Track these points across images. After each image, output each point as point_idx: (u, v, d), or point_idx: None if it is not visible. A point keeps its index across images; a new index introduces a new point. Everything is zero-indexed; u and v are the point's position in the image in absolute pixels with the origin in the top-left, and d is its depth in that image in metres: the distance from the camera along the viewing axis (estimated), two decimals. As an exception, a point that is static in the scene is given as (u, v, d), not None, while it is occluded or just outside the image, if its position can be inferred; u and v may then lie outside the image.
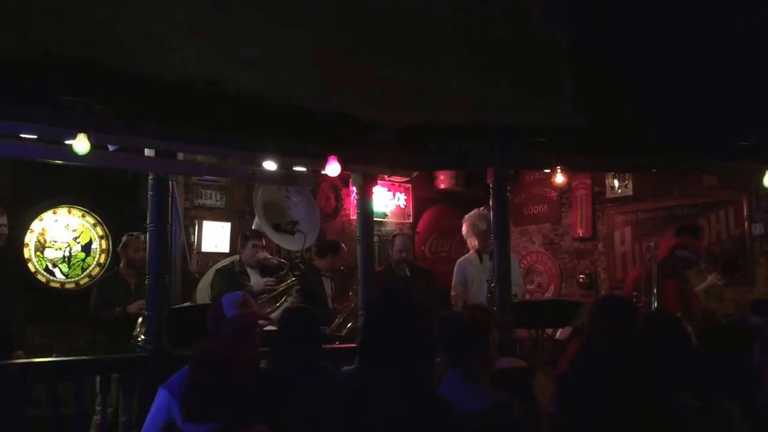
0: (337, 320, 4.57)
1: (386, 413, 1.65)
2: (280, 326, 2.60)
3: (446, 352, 2.26)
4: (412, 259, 4.82)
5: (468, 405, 2.05)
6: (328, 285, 4.86)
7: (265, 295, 4.36)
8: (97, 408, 3.93)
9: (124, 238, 4.44)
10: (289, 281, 4.50)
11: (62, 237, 5.00)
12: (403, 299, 1.88)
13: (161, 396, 2.32)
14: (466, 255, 4.97)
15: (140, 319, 3.80)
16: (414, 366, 1.74)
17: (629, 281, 4.71)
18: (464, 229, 4.90)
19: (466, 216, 4.88)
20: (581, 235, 6.47)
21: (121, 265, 4.46)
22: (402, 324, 1.77)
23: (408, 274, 4.73)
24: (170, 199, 3.80)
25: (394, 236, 5.19)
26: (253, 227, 4.92)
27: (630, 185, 6.18)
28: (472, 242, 4.85)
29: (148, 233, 3.59)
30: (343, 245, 5.01)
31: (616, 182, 6.25)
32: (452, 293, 4.87)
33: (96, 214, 5.12)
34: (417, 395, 1.69)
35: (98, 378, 3.67)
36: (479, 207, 4.82)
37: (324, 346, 3.74)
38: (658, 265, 4.26)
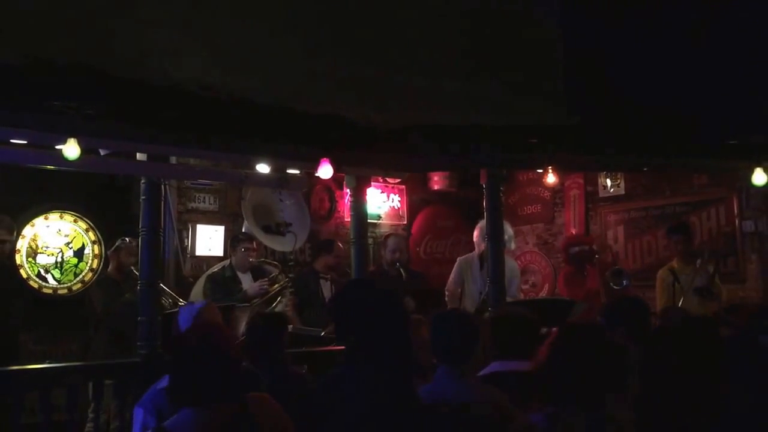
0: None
1: (358, 407, 1.65)
2: (248, 329, 2.76)
3: (440, 349, 2.29)
4: (405, 259, 4.80)
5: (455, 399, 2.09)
6: (326, 287, 4.83)
7: (257, 300, 4.35)
8: (90, 415, 3.90)
9: (117, 242, 4.44)
10: (282, 282, 4.48)
11: (54, 242, 4.97)
12: (372, 291, 1.88)
13: (138, 414, 2.32)
14: (468, 255, 4.98)
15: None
16: (385, 358, 1.74)
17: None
18: (476, 234, 4.90)
19: (480, 222, 4.83)
20: (574, 234, 6.50)
21: (111, 268, 4.48)
22: (368, 314, 1.76)
23: (403, 275, 4.70)
24: (163, 202, 3.79)
25: (387, 237, 5.18)
26: (243, 230, 4.91)
27: (622, 184, 6.22)
28: (480, 246, 4.85)
29: (140, 238, 3.58)
30: (338, 243, 4.98)
31: (608, 181, 6.28)
32: (450, 288, 4.89)
33: (88, 219, 5.09)
34: (389, 387, 1.69)
35: (91, 384, 3.64)
36: (479, 209, 4.79)
37: (322, 348, 3.78)
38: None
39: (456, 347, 2.25)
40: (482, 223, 4.80)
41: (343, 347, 1.82)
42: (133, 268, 4.20)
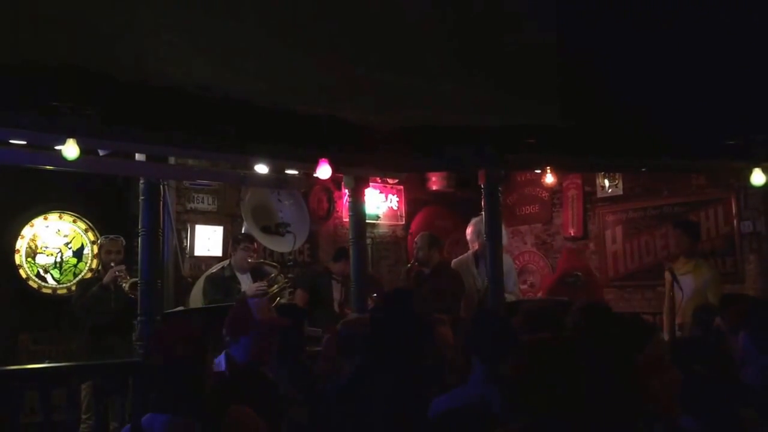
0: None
1: (377, 407, 1.67)
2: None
3: (477, 349, 2.26)
4: (423, 257, 4.74)
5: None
6: (337, 289, 4.84)
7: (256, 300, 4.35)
8: (83, 416, 3.90)
9: (99, 240, 4.41)
10: (281, 283, 4.50)
11: (53, 242, 4.98)
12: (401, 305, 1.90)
13: None
14: (463, 256, 4.95)
15: (126, 285, 3.89)
16: (409, 365, 1.76)
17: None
18: (469, 231, 4.86)
19: (474, 220, 4.79)
20: (573, 234, 6.51)
21: (100, 267, 4.47)
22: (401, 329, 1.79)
23: (426, 272, 4.67)
24: (162, 203, 3.79)
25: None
26: (243, 231, 4.92)
27: (620, 185, 6.23)
28: (474, 245, 4.83)
29: (140, 238, 3.59)
30: None
31: (606, 182, 6.30)
32: None
33: (87, 219, 5.10)
34: (409, 392, 1.71)
35: (90, 384, 3.65)
36: (477, 209, 4.77)
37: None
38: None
39: (496, 346, 2.20)
40: (475, 220, 4.78)
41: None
42: (113, 264, 4.17)
